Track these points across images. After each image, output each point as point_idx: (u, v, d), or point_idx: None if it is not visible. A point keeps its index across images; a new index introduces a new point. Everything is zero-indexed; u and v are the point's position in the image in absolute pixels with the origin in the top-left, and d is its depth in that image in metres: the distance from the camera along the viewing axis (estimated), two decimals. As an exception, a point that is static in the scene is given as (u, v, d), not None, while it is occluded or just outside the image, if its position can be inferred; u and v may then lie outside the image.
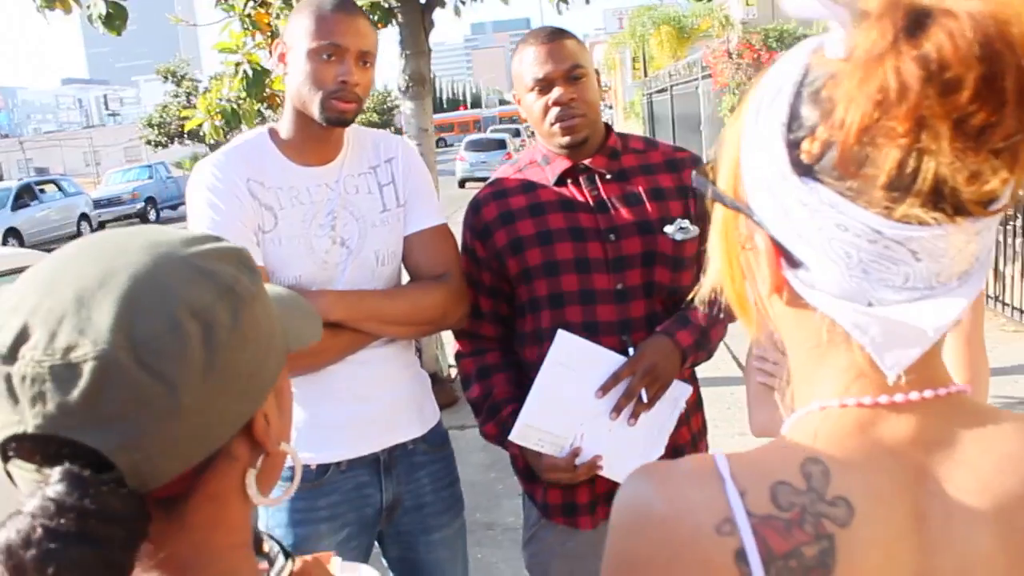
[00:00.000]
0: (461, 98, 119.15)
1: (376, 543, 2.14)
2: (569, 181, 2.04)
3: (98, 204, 23.79)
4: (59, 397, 0.65)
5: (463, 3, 5.57)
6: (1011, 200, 0.67)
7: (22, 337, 0.66)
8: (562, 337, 1.89)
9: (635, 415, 1.92)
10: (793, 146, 0.68)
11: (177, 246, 0.74)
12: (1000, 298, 6.84)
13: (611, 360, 1.91)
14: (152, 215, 24.92)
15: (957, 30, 0.61)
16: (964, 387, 0.75)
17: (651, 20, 33.96)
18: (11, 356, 0.66)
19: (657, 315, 2.00)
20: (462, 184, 25.89)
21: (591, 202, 2.01)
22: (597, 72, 2.06)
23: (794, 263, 0.71)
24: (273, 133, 1.99)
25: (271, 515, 1.98)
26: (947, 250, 0.66)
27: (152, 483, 0.68)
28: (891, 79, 0.61)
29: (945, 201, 0.64)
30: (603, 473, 1.95)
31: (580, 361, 1.90)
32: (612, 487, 2.03)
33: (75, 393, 0.65)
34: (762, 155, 0.71)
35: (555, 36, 1.99)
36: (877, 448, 0.71)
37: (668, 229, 1.98)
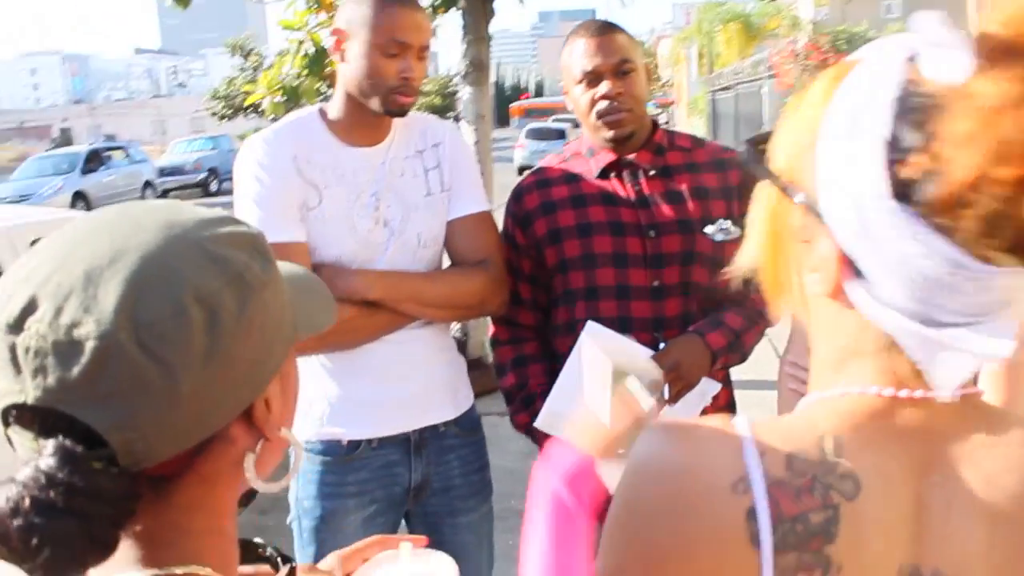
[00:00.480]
0: (524, 86, 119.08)
1: (404, 522, 2.16)
2: (612, 175, 2.04)
3: (162, 172, 24.21)
4: (59, 372, 0.65)
5: (527, -9, 5.57)
6: None
7: (29, 308, 0.67)
8: (591, 328, 1.88)
9: None
10: (892, 169, 0.68)
11: (192, 228, 0.74)
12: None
13: (639, 352, 1.90)
14: (214, 185, 25.32)
15: None
16: (979, 390, 0.77)
17: (719, 17, 33.59)
18: (17, 326, 0.67)
19: (692, 315, 1.98)
20: (521, 172, 25.88)
21: (633, 197, 2.00)
22: (648, 68, 2.06)
23: (857, 273, 0.72)
24: (323, 113, 2.02)
25: (301, 487, 2.01)
26: (1010, 287, 0.69)
27: (145, 463, 0.69)
28: (1015, 132, 0.62)
29: (1022, 248, 0.66)
30: None
31: (609, 352, 1.88)
32: None
33: (75, 370, 0.65)
34: (852, 169, 0.70)
35: (605, 30, 1.99)
36: (890, 434, 0.74)
37: (708, 229, 1.96)
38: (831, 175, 0.72)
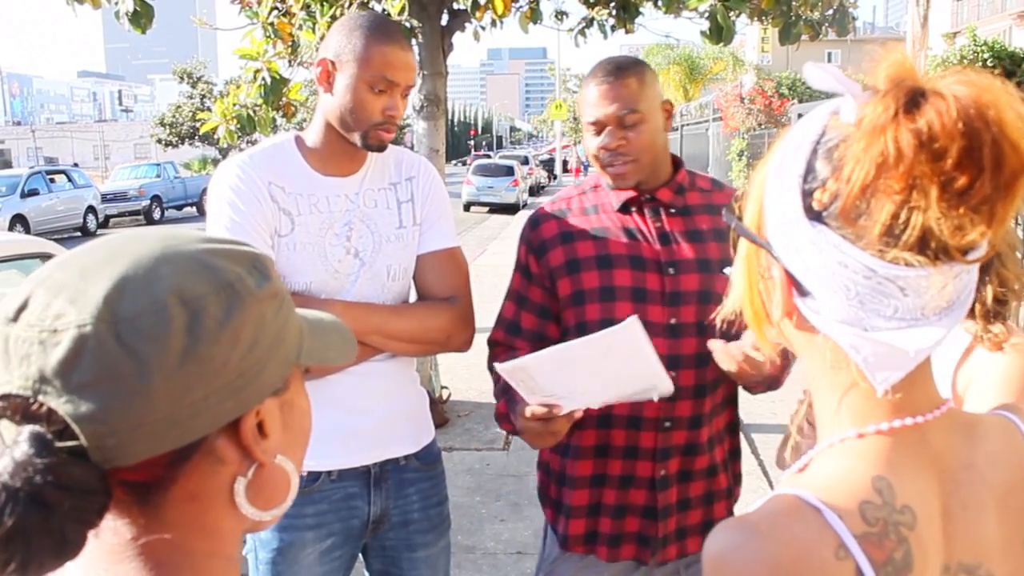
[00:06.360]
0: (472, 122, 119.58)
1: (360, 555, 2.14)
2: (633, 210, 2.02)
3: (104, 198, 23.86)
4: (40, 360, 0.67)
5: (483, 28, 5.61)
6: (986, 252, 0.80)
7: (27, 303, 0.70)
8: (632, 325, 1.63)
9: None
10: (807, 195, 0.81)
11: (191, 242, 0.77)
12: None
13: (652, 376, 1.73)
14: (156, 213, 24.99)
15: (944, 109, 0.74)
16: (950, 401, 0.89)
17: (665, 59, 34.20)
18: (14, 319, 0.69)
19: (708, 355, 1.91)
20: (467, 208, 25.98)
21: (654, 233, 1.99)
22: (670, 104, 2.02)
23: (803, 292, 0.84)
24: (299, 141, 2.02)
25: None
26: (929, 288, 0.79)
27: (117, 461, 0.69)
28: (890, 146, 0.74)
29: (929, 248, 0.77)
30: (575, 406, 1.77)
31: (626, 353, 1.69)
32: (641, 525, 2.01)
33: (53, 358, 0.67)
34: (781, 200, 0.84)
35: (615, 74, 1.95)
36: (914, 460, 0.84)
37: (727, 270, 1.93)
38: (771, 210, 0.85)
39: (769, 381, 1.96)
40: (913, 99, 0.75)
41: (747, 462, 4.57)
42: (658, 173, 2.01)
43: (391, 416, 2.04)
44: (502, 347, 2.10)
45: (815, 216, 0.80)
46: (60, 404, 0.67)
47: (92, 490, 0.68)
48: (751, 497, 3.98)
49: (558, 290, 2.01)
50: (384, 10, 5.11)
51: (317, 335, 0.86)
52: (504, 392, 1.97)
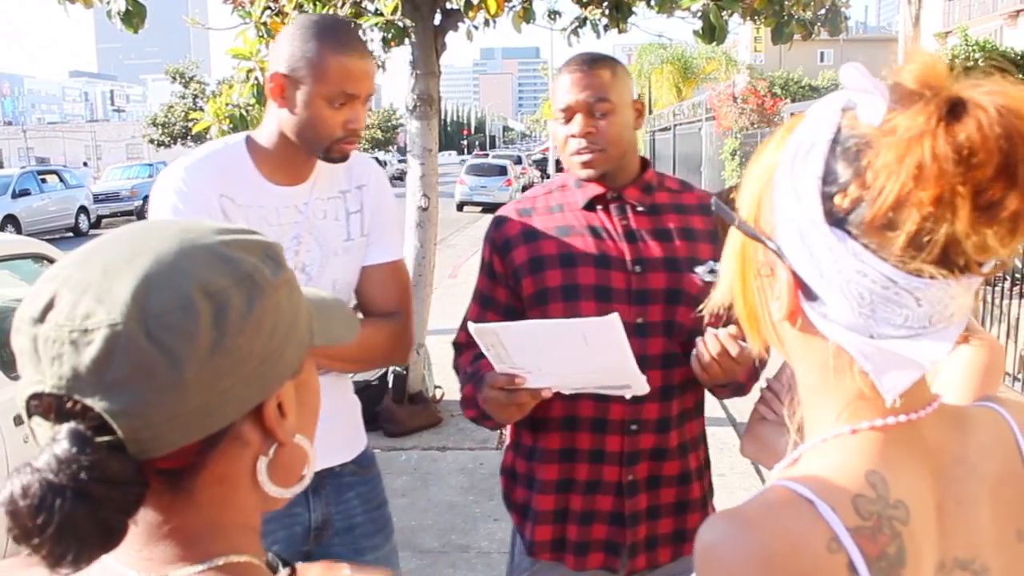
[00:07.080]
0: (466, 122, 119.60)
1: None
2: (599, 208, 1.98)
3: (96, 198, 23.78)
4: (73, 360, 0.69)
5: (475, 28, 5.62)
6: (999, 265, 0.78)
7: (51, 303, 0.71)
8: (612, 323, 1.61)
9: None
10: (827, 198, 0.78)
11: (207, 234, 0.78)
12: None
13: (627, 375, 1.72)
14: (148, 214, 24.87)
15: (987, 122, 0.72)
16: (940, 396, 0.88)
17: (658, 59, 34.26)
18: (40, 319, 0.71)
19: (675, 355, 1.92)
20: (460, 207, 25.97)
21: (620, 231, 1.95)
22: (641, 104, 2.02)
23: (811, 296, 0.81)
24: (251, 143, 1.94)
25: None
26: (944, 299, 0.78)
27: (152, 452, 0.72)
28: (928, 158, 0.72)
29: (951, 261, 0.75)
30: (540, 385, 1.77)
31: (601, 347, 1.67)
32: (609, 533, 1.97)
33: (86, 357, 0.69)
34: (796, 201, 0.81)
35: (589, 64, 1.94)
36: (908, 456, 0.83)
37: (699, 269, 1.90)
38: (782, 210, 0.82)
39: (736, 386, 1.94)
40: (953, 109, 0.73)
41: (742, 461, 4.58)
42: (625, 170, 1.98)
43: (328, 429, 1.98)
44: (467, 348, 2.04)
45: (836, 222, 0.78)
46: (95, 401, 0.69)
47: (131, 481, 0.70)
48: (745, 496, 3.99)
49: (522, 289, 1.98)
50: (377, 10, 5.12)
51: (323, 315, 0.90)
52: (470, 379, 1.96)
